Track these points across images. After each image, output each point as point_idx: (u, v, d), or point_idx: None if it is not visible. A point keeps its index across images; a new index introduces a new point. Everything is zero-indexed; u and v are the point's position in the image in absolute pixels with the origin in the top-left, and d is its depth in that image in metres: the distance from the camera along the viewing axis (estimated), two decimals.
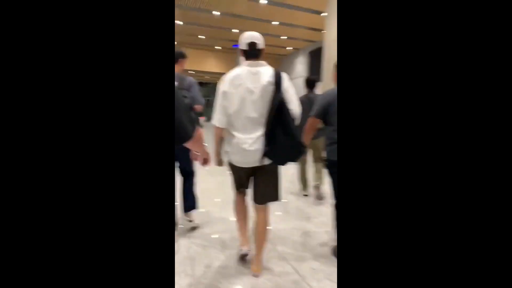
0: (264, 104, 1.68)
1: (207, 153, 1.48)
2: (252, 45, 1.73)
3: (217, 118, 1.76)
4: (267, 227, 1.87)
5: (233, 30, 12.54)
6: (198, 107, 2.40)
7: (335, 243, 2.12)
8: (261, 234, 1.85)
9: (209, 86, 21.24)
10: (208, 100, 15.97)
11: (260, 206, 1.85)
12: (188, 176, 2.52)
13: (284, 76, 1.72)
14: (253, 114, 1.69)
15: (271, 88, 1.67)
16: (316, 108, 2.01)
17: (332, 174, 1.98)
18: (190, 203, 2.51)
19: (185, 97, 2.21)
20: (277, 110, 1.64)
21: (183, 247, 2.23)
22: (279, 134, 1.65)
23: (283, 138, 1.64)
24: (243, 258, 1.96)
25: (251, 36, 1.73)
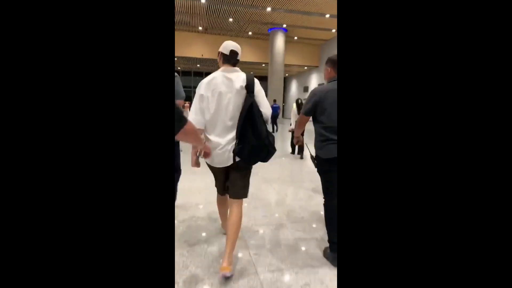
0: (237, 107, 1.79)
1: (204, 145, 1.56)
2: (233, 53, 1.86)
3: (193, 119, 1.83)
4: (241, 220, 1.92)
5: (267, 9, 10.47)
6: (179, 102, 2.33)
7: (327, 244, 2.07)
8: (234, 226, 1.88)
9: None
10: None
11: (236, 200, 1.93)
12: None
13: (256, 81, 1.82)
14: (227, 117, 1.79)
15: (244, 92, 1.77)
16: (305, 105, 2.04)
17: (321, 172, 2.02)
18: None
19: None
20: (247, 112, 1.75)
21: None
22: (249, 135, 1.76)
23: (252, 139, 1.76)
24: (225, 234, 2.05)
25: (234, 45, 1.88)
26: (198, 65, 18.82)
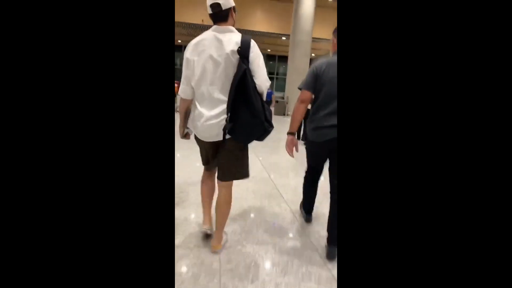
0: (227, 76, 1.54)
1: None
2: (215, 6, 1.53)
3: (182, 88, 1.68)
4: (228, 204, 1.82)
5: None
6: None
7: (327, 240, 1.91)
8: (220, 209, 1.80)
9: None
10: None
11: (222, 182, 1.76)
12: None
13: (253, 44, 1.54)
14: (215, 86, 1.56)
15: (236, 58, 1.51)
16: (305, 79, 1.84)
17: (308, 151, 2.02)
18: None
19: None
20: (238, 82, 1.49)
21: None
22: (241, 111, 1.51)
23: (244, 116, 1.51)
24: (207, 236, 1.91)
25: None
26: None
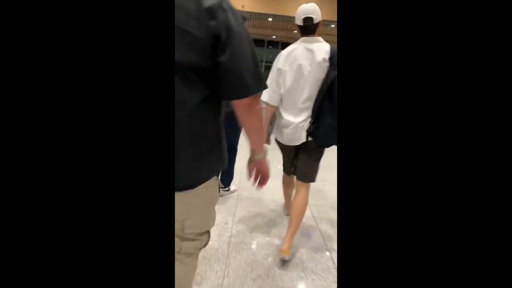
0: (316, 82, 1.67)
1: (263, 153, 1.12)
2: (307, 20, 1.70)
3: (268, 94, 1.77)
4: (306, 203, 1.90)
5: None
6: None
7: None
8: (298, 208, 1.88)
9: None
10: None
11: (300, 183, 1.89)
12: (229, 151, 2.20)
13: None
14: (304, 93, 1.69)
15: (326, 66, 1.64)
16: None
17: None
18: (224, 180, 2.62)
19: None
20: (328, 88, 1.60)
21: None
22: (326, 115, 1.62)
23: (329, 119, 1.61)
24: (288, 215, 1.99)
25: (306, 10, 1.70)
26: None
